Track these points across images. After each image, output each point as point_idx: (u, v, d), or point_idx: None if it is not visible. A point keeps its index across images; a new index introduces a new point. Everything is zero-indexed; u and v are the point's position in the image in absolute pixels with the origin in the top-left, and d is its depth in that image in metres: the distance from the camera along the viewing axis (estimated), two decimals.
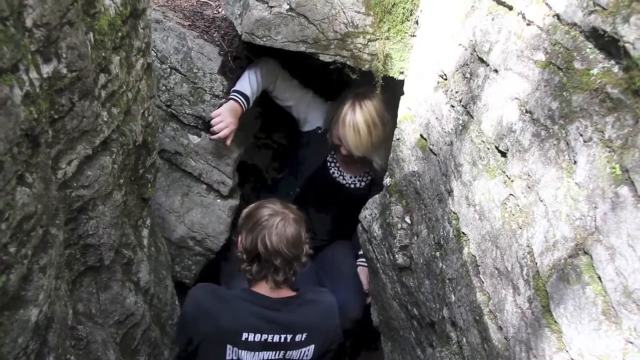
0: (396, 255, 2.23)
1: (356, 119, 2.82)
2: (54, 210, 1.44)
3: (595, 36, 1.26)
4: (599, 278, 1.11)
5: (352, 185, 3.24)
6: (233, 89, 2.84)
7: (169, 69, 2.79)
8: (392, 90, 2.61)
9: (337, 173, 3.24)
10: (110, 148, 1.79)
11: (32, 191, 1.26)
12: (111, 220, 1.83)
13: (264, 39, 2.44)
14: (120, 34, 1.81)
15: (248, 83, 2.84)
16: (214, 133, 2.78)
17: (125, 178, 1.98)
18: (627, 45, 1.13)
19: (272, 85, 3.01)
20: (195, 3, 3.12)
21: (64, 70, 1.42)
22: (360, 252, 3.06)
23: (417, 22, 2.41)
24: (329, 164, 3.24)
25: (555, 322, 1.24)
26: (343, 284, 3.14)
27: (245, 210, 2.38)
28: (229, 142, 2.83)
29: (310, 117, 3.15)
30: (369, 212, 2.57)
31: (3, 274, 1.18)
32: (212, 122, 2.78)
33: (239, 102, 2.80)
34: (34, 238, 1.30)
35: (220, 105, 2.79)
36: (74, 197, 1.64)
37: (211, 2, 3.13)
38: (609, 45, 1.21)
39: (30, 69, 1.22)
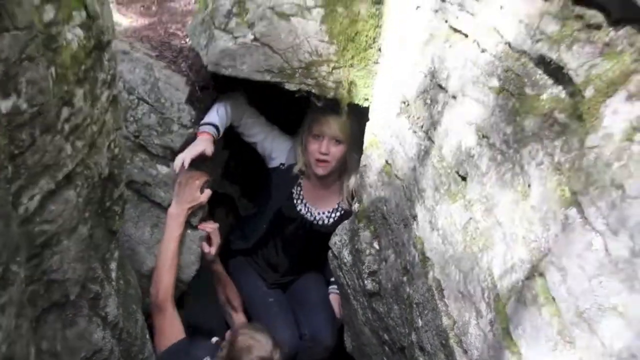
0: (365, 281, 2.24)
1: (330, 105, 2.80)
2: (15, 247, 1.43)
3: (544, 63, 1.31)
4: (554, 299, 1.14)
5: (321, 222, 3.22)
6: (202, 121, 2.85)
7: (136, 100, 2.79)
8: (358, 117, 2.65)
9: (305, 209, 3.22)
10: (75, 182, 1.78)
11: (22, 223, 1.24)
12: (76, 255, 1.81)
13: (229, 69, 2.47)
14: (84, 67, 1.81)
15: (216, 115, 2.86)
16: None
17: (91, 211, 1.97)
18: (570, 72, 1.17)
19: (238, 121, 3.03)
20: (163, 34, 3.15)
21: (24, 106, 1.41)
22: (333, 279, 3.07)
23: (380, 50, 2.46)
24: (295, 200, 3.22)
25: (515, 343, 1.26)
26: (315, 313, 3.15)
27: (236, 345, 2.53)
28: (208, 152, 2.80)
29: (275, 154, 3.16)
30: (338, 239, 2.59)
31: None
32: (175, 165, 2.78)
33: (207, 132, 2.82)
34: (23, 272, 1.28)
35: (188, 135, 2.80)
36: (36, 232, 1.62)
37: (179, 32, 3.15)
38: (556, 71, 1.26)
39: None
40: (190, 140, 2.82)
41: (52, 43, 1.59)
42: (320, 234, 3.16)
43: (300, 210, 3.21)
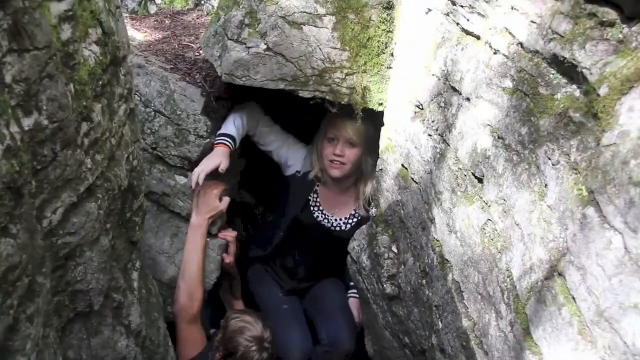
0: (385, 285, 2.25)
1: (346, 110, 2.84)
2: (40, 259, 1.46)
3: (557, 62, 1.31)
4: (574, 299, 1.14)
5: (338, 228, 3.23)
6: (218, 132, 2.88)
7: (153, 113, 2.83)
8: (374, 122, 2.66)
9: (322, 216, 3.23)
10: (96, 194, 1.81)
11: (17, 242, 1.27)
12: (99, 266, 1.84)
13: (244, 79, 2.49)
14: (101, 82, 1.84)
15: (233, 126, 2.89)
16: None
17: (113, 223, 1.99)
18: (584, 70, 1.17)
19: (254, 130, 3.06)
20: (177, 47, 3.19)
21: (46, 122, 1.45)
22: (352, 284, 3.07)
23: (392, 55, 2.47)
24: (312, 208, 3.23)
25: (536, 344, 1.25)
26: (333, 318, 3.15)
27: (228, 329, 2.68)
28: (223, 167, 2.83)
29: (291, 162, 3.19)
30: (357, 244, 2.59)
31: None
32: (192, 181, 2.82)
33: (226, 144, 2.85)
34: (20, 288, 1.31)
35: (205, 146, 2.83)
36: (60, 244, 1.66)
37: (192, 45, 3.19)
38: (570, 71, 1.26)
39: (10, 124, 1.25)
40: (207, 150, 2.85)
41: (70, 61, 1.62)
42: (338, 240, 3.17)
43: (318, 217, 3.22)
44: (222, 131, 2.89)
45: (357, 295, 3.09)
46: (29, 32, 1.32)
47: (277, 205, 3.37)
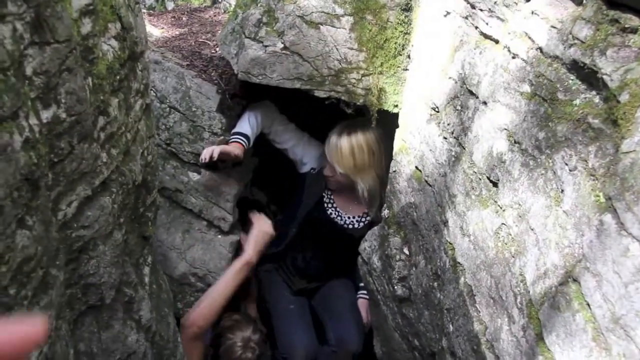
0: (395, 287, 2.24)
1: (341, 138, 2.89)
2: (54, 252, 1.47)
3: (576, 68, 1.30)
4: (588, 305, 1.13)
5: (350, 226, 3.23)
6: (233, 130, 2.89)
7: (168, 108, 2.84)
8: (388, 123, 2.66)
9: (335, 213, 3.24)
10: (110, 188, 1.82)
11: (32, 233, 1.28)
12: (112, 260, 1.85)
13: (260, 77, 2.50)
14: (118, 77, 1.85)
15: (248, 124, 2.90)
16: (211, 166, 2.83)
17: (126, 217, 2.01)
18: (605, 77, 1.17)
19: (268, 129, 3.06)
20: (193, 43, 3.20)
21: (63, 115, 1.46)
22: (362, 285, 3.07)
23: (409, 57, 2.46)
24: (325, 204, 3.24)
25: (549, 349, 1.25)
26: (341, 318, 3.15)
27: (219, 326, 2.82)
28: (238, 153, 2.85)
29: (305, 159, 3.20)
30: (368, 244, 2.59)
31: (3, 315, 1.20)
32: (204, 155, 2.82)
33: (240, 143, 2.86)
34: (34, 279, 1.33)
35: (219, 143, 2.84)
36: (74, 237, 1.67)
37: (209, 42, 3.20)
38: (589, 76, 1.25)
39: (29, 116, 1.26)
40: None
41: (89, 54, 1.63)
42: (350, 238, 3.17)
43: (331, 214, 3.23)
44: (236, 129, 2.90)
45: (367, 296, 3.09)
46: (50, 25, 1.33)
47: (291, 203, 3.37)
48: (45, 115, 1.38)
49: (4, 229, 1.15)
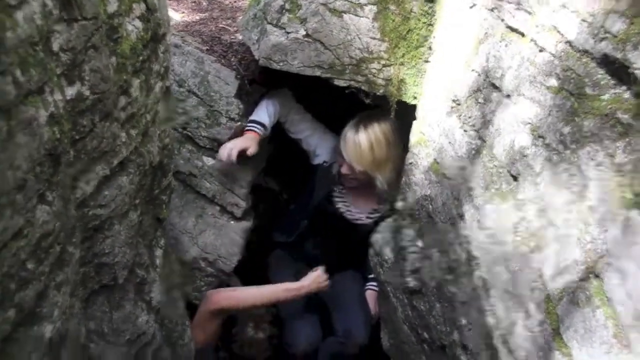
0: (407, 279, 2.23)
1: (358, 134, 2.85)
2: (71, 229, 1.47)
3: (606, 63, 1.28)
4: (610, 301, 1.12)
5: (359, 221, 3.22)
6: (250, 118, 2.89)
7: (186, 92, 2.84)
8: (405, 114, 2.64)
9: (344, 208, 3.23)
10: (128, 169, 1.82)
11: (52, 209, 1.29)
12: (126, 240, 1.85)
13: (281, 64, 2.49)
14: (141, 57, 1.85)
15: (265, 113, 2.90)
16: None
17: (141, 198, 2.01)
18: (637, 72, 1.15)
19: (285, 117, 3.05)
20: (213, 28, 3.19)
21: (87, 93, 1.46)
22: (372, 276, 3.07)
23: (430, 48, 2.45)
24: (335, 198, 3.23)
25: (566, 345, 1.24)
26: (349, 310, 3.15)
27: None
28: (251, 152, 2.84)
29: (319, 151, 3.18)
30: (380, 236, 2.58)
31: (21, 289, 1.21)
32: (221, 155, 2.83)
33: (255, 131, 2.85)
34: (52, 255, 1.33)
35: (236, 128, 2.84)
36: (90, 215, 1.67)
37: (229, 28, 3.19)
38: (620, 71, 1.24)
39: (55, 91, 1.26)
40: (237, 133, 2.85)
41: (114, 34, 1.63)
42: (359, 233, 3.16)
43: (340, 207, 3.21)
44: (253, 117, 2.89)
45: (375, 288, 3.08)
46: (78, 2, 1.33)
47: (303, 193, 3.37)
48: (70, 91, 1.38)
49: (25, 203, 1.16)
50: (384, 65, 2.46)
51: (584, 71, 1.35)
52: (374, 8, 2.40)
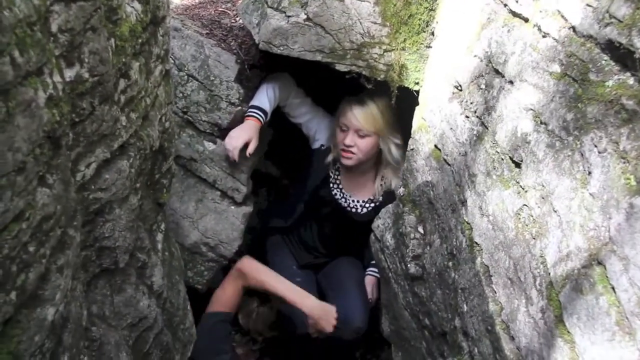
0: (408, 265, 2.23)
1: (367, 101, 2.84)
2: (72, 212, 1.47)
3: (611, 48, 1.27)
4: (613, 288, 1.12)
5: (354, 210, 3.22)
6: (251, 103, 2.87)
7: (186, 76, 2.82)
8: (406, 100, 2.63)
9: (340, 195, 3.22)
10: (128, 152, 1.81)
11: (52, 192, 1.28)
12: (127, 224, 1.85)
13: (281, 48, 2.47)
14: (140, 40, 1.84)
15: (266, 97, 2.88)
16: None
17: (142, 182, 2.00)
18: None
19: (285, 102, 3.04)
20: (213, 12, 3.17)
21: (86, 75, 1.45)
22: (373, 262, 3.07)
23: (432, 34, 2.43)
24: (331, 184, 3.22)
25: (568, 332, 1.24)
26: (347, 294, 3.15)
27: None
28: (251, 149, 2.84)
29: (318, 135, 3.17)
30: (381, 222, 2.58)
31: (22, 272, 1.20)
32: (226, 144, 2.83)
33: (257, 118, 2.84)
34: (53, 238, 1.33)
35: (236, 113, 2.82)
36: (91, 199, 1.67)
37: (229, 12, 3.17)
38: (625, 57, 1.22)
39: (54, 73, 1.25)
40: (237, 117, 2.84)
41: (113, 15, 1.62)
42: (352, 222, 3.16)
43: (336, 194, 3.21)
44: (254, 102, 2.88)
45: (375, 274, 3.09)
46: None
47: (301, 179, 3.36)
48: (69, 73, 1.37)
49: (25, 186, 1.15)
50: (386, 51, 2.44)
51: (587, 57, 1.34)
52: None
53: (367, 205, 3.19)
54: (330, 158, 3.13)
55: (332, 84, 2.96)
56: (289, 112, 3.11)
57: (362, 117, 2.87)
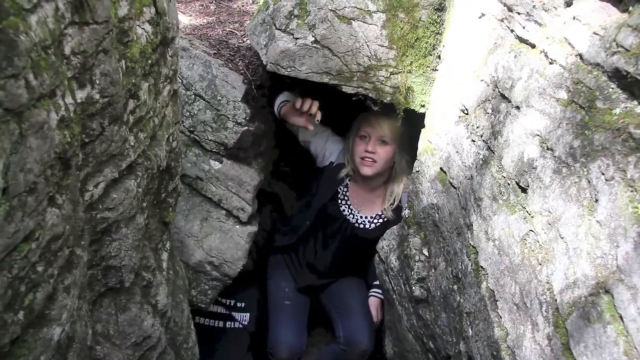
0: (413, 287, 2.23)
1: (386, 115, 2.84)
2: (80, 232, 1.48)
3: (618, 77, 1.28)
4: (621, 317, 1.11)
5: (362, 226, 3.21)
6: (279, 99, 2.95)
7: (193, 96, 2.84)
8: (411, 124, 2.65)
9: (348, 211, 3.22)
10: (136, 172, 1.83)
11: (62, 212, 1.29)
12: (133, 243, 1.85)
13: (289, 69, 2.49)
14: (150, 61, 1.86)
15: (285, 95, 2.95)
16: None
17: (148, 202, 2.01)
18: None
19: None
20: (221, 32, 3.20)
21: (97, 96, 1.46)
22: (375, 283, 3.06)
23: (439, 57, 2.45)
24: (339, 200, 3.22)
25: None
26: (352, 316, 3.14)
27: None
28: (318, 117, 2.86)
29: (327, 153, 3.19)
30: (386, 243, 2.58)
31: (30, 292, 1.21)
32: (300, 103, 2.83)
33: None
34: (61, 258, 1.33)
35: (243, 132, 2.85)
36: (98, 218, 1.67)
37: (237, 32, 3.20)
38: (632, 85, 1.23)
39: (66, 95, 1.27)
40: (244, 137, 2.86)
41: (124, 37, 1.64)
42: (360, 239, 3.16)
43: (344, 211, 3.21)
44: (281, 98, 2.96)
45: (379, 295, 3.08)
46: (90, 6, 1.33)
47: (306, 195, 3.37)
48: (80, 95, 1.38)
49: (36, 206, 1.16)
50: (392, 73, 2.46)
51: (595, 84, 1.35)
52: (383, 16, 2.40)
53: (375, 221, 3.19)
54: (343, 173, 3.14)
55: (339, 104, 2.98)
56: (297, 131, 3.13)
57: (386, 124, 2.91)
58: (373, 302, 3.21)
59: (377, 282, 2.95)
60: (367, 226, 3.20)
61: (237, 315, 3.36)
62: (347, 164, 3.13)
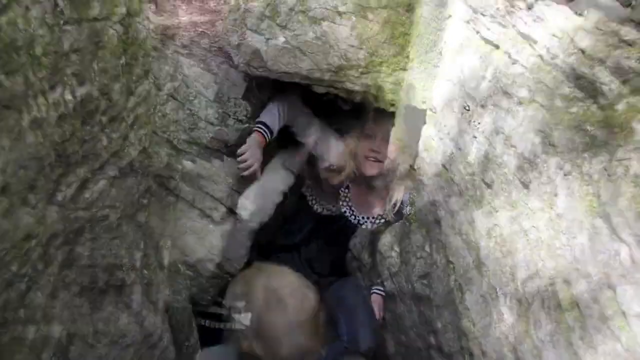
0: (415, 284, 2.24)
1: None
2: (77, 229, 1.49)
3: (575, 77, 1.34)
4: (577, 305, 1.17)
5: (364, 225, 3.22)
6: (258, 119, 2.90)
7: (165, 96, 2.84)
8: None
9: (349, 212, 3.24)
10: (108, 172, 1.84)
11: (60, 209, 1.30)
12: (107, 242, 1.87)
13: (260, 70, 2.51)
14: (121, 62, 1.87)
15: (273, 117, 2.90)
16: (243, 169, 2.84)
17: (122, 202, 2.02)
18: (603, 86, 1.20)
19: (292, 121, 3.05)
20: (193, 32, 3.19)
21: (69, 97, 1.47)
22: (379, 281, 3.08)
23: (407, 57, 2.48)
24: (340, 202, 3.25)
25: (576, 353, 1.24)
26: (354, 314, 3.14)
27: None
28: (258, 175, 2.86)
29: (327, 154, 3.16)
30: (358, 240, 2.60)
31: (30, 290, 1.22)
32: (240, 159, 2.82)
33: (263, 134, 2.86)
34: (61, 255, 1.34)
35: (243, 130, 2.86)
36: (72, 218, 1.68)
37: (208, 32, 3.20)
38: (588, 86, 1.29)
39: (38, 96, 1.28)
40: (245, 135, 2.86)
41: (96, 38, 1.65)
42: None
43: (345, 211, 3.23)
44: (262, 119, 2.90)
45: (381, 292, 3.10)
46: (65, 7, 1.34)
47: (309, 196, 3.39)
48: (52, 96, 1.39)
49: (36, 203, 1.17)
50: (362, 73, 2.50)
51: (554, 84, 1.41)
52: (352, 16, 2.44)
53: (377, 221, 3.21)
54: (344, 175, 3.13)
55: (339, 105, 3.00)
56: (297, 132, 3.10)
57: (390, 125, 2.91)
58: (375, 299, 3.22)
59: (379, 280, 2.97)
60: (368, 226, 3.22)
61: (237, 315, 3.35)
62: (347, 165, 3.12)
